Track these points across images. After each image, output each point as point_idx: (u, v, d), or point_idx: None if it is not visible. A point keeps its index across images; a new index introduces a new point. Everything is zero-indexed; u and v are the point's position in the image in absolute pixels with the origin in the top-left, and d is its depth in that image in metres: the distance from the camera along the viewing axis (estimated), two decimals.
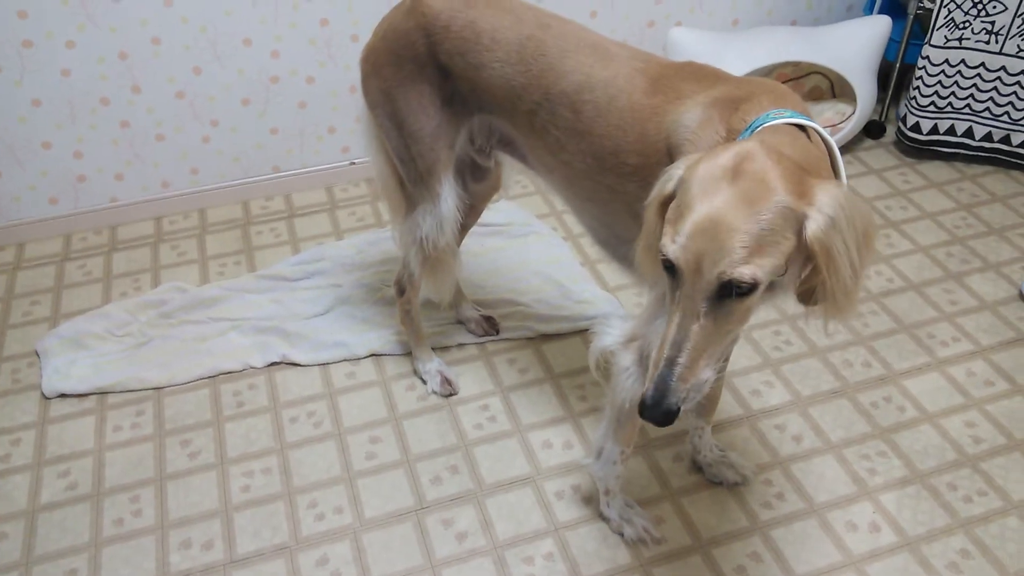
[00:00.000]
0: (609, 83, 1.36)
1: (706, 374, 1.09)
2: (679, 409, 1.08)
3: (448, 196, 1.65)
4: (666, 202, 1.12)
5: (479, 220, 2.03)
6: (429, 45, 1.53)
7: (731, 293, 1.04)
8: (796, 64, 2.84)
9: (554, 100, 1.41)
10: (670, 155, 1.27)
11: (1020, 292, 2.21)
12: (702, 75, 1.31)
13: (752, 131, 1.17)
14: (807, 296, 1.14)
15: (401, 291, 1.91)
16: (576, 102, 1.38)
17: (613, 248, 1.53)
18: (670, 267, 1.07)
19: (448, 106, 1.58)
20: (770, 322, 2.15)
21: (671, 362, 1.07)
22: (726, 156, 1.06)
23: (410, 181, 1.67)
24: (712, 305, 1.05)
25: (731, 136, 1.21)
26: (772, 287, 1.25)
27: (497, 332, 2.13)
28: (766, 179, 1.03)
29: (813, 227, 1.03)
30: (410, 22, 1.54)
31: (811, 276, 1.09)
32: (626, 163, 1.34)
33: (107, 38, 2.25)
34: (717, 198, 1.03)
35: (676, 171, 1.12)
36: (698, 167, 1.07)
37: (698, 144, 1.23)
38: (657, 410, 1.08)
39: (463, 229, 1.95)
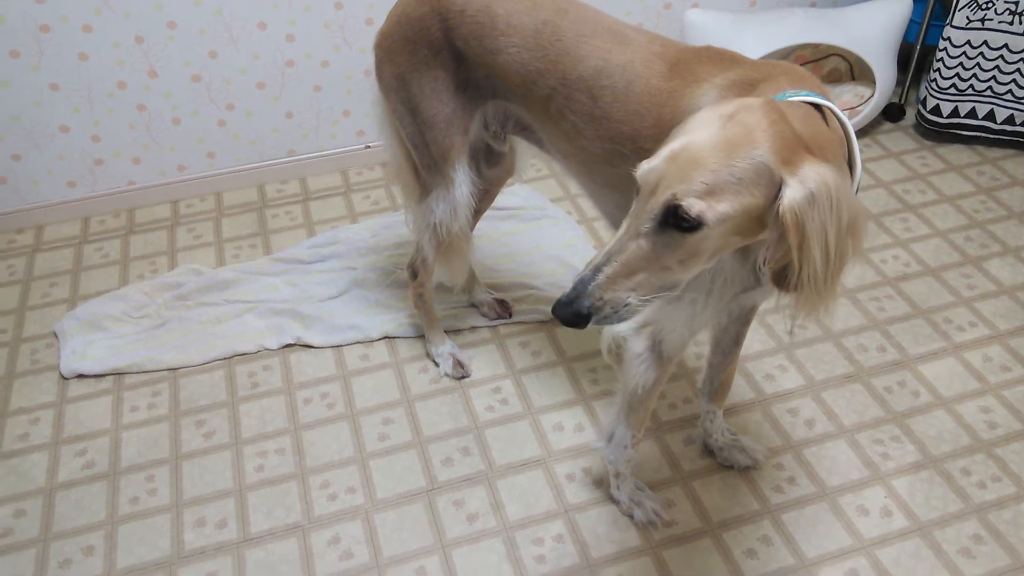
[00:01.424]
0: (627, 68, 1.35)
1: (627, 296, 1.07)
2: (589, 316, 1.07)
3: (462, 182, 1.65)
4: None
5: (493, 204, 2.03)
6: (444, 30, 1.52)
7: (677, 223, 1.02)
8: (815, 46, 2.81)
9: (571, 85, 1.40)
10: None
11: None
12: (719, 58, 1.30)
13: None
14: (780, 279, 1.10)
15: (414, 275, 1.92)
16: (593, 87, 1.37)
17: None
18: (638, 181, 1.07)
19: (462, 92, 1.57)
20: (784, 306, 2.13)
21: (597, 268, 1.06)
22: (730, 105, 1.05)
23: (424, 167, 1.67)
24: (655, 228, 1.04)
25: None
26: (744, 257, 1.23)
27: (510, 315, 2.14)
28: (753, 132, 1.02)
29: (789, 196, 1.00)
30: (425, 7, 1.53)
31: (782, 254, 1.05)
32: (643, 148, 1.33)
33: (123, 22, 2.26)
34: (699, 134, 1.03)
35: None
36: (703, 111, 1.07)
37: None
38: (567, 309, 1.07)
39: (477, 213, 1.95)
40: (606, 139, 1.38)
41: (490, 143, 1.70)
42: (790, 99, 1.15)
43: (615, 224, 1.58)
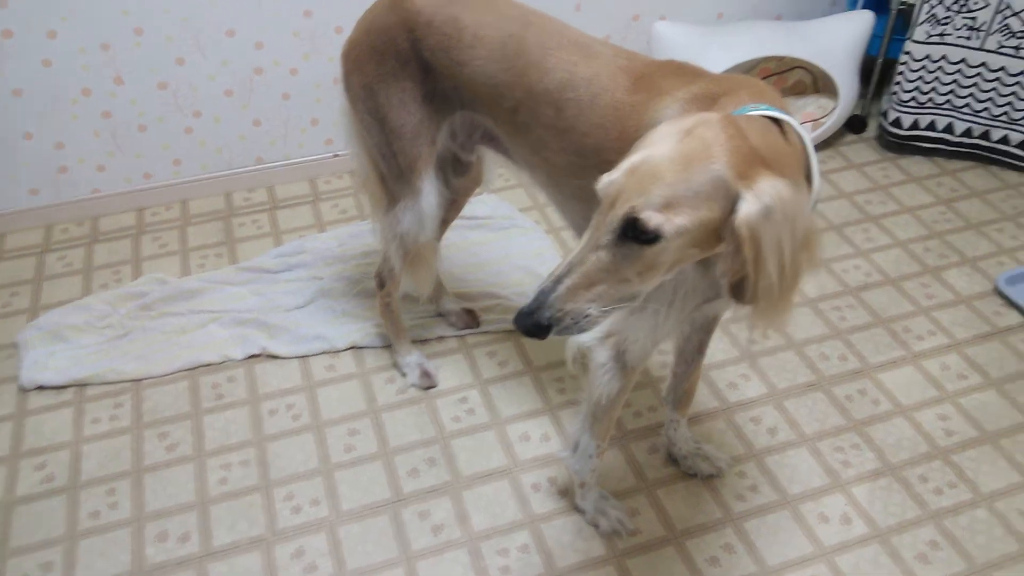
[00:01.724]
0: (592, 81, 1.36)
1: (587, 307, 1.08)
2: (550, 327, 1.08)
3: (429, 192, 1.65)
4: None
5: (461, 213, 2.04)
6: (411, 41, 1.52)
7: (636, 236, 1.04)
8: (780, 59, 2.85)
9: (537, 98, 1.41)
10: None
11: (995, 287, 2.23)
12: (682, 72, 1.32)
13: None
14: (737, 291, 1.11)
15: (381, 284, 1.91)
16: (559, 100, 1.38)
17: None
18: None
19: (430, 102, 1.58)
20: (744, 316, 2.16)
21: (557, 280, 1.08)
22: (689, 120, 1.07)
23: (391, 176, 1.67)
24: (615, 240, 1.06)
25: None
26: (706, 268, 1.25)
27: (478, 325, 2.14)
28: (711, 147, 1.03)
29: (744, 210, 1.02)
30: (392, 17, 1.54)
31: (738, 267, 1.07)
32: (608, 161, 1.34)
33: (89, 28, 2.24)
34: (658, 148, 1.04)
35: None
36: (663, 125, 1.09)
37: None
38: (528, 319, 1.08)
39: (444, 223, 1.96)
40: (571, 151, 1.39)
41: (457, 153, 1.70)
42: (750, 113, 1.17)
43: (581, 235, 1.58)
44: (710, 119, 1.07)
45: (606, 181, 1.07)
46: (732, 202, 1.04)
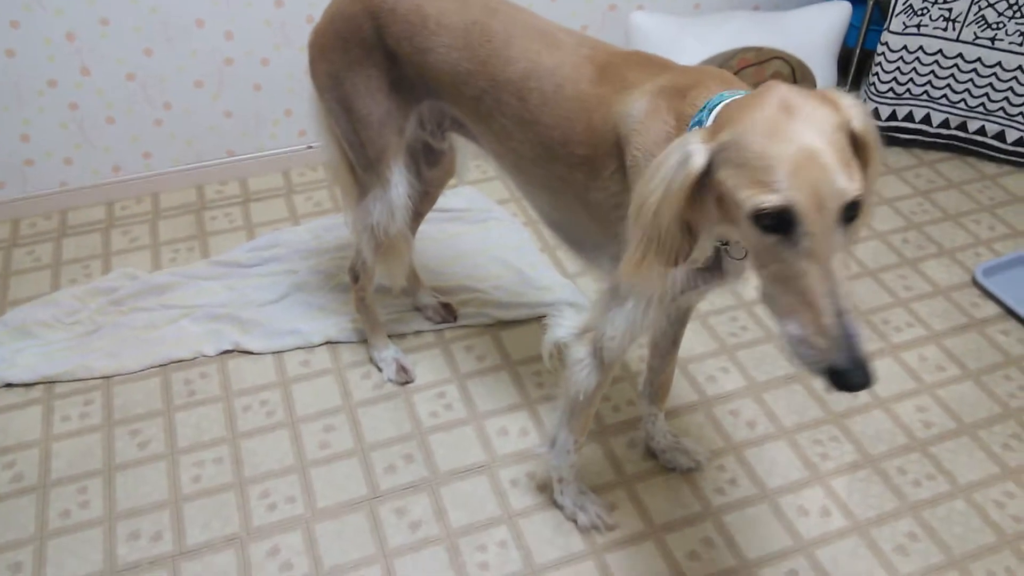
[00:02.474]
0: (555, 71, 1.34)
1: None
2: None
3: (398, 182, 1.63)
4: (695, 184, 1.02)
5: (439, 206, 2.01)
6: (376, 29, 1.50)
7: (851, 215, 0.97)
8: (758, 49, 2.84)
9: (500, 87, 1.39)
10: (618, 145, 1.26)
11: (973, 278, 2.24)
12: (648, 64, 1.30)
13: (708, 112, 1.15)
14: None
15: (355, 278, 1.89)
16: (522, 90, 1.36)
17: (566, 232, 1.51)
18: (774, 219, 0.95)
19: (397, 91, 1.55)
20: (726, 308, 2.15)
21: (844, 313, 0.95)
22: (763, 100, 1.00)
23: (360, 167, 1.65)
24: (841, 234, 0.96)
25: (681, 123, 1.20)
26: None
27: (455, 319, 2.12)
28: (812, 103, 0.98)
29: (862, 119, 1.02)
30: (357, 5, 1.51)
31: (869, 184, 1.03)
32: (574, 153, 1.33)
33: (53, 19, 2.18)
34: (792, 132, 0.95)
35: (691, 151, 1.01)
36: (737, 126, 0.99)
37: (646, 134, 1.22)
38: (861, 374, 0.95)
39: (418, 216, 1.93)
40: (536, 142, 1.37)
41: (429, 141, 1.68)
42: (736, 96, 1.15)
43: (550, 222, 1.55)
44: (773, 87, 1.01)
45: (786, 190, 0.94)
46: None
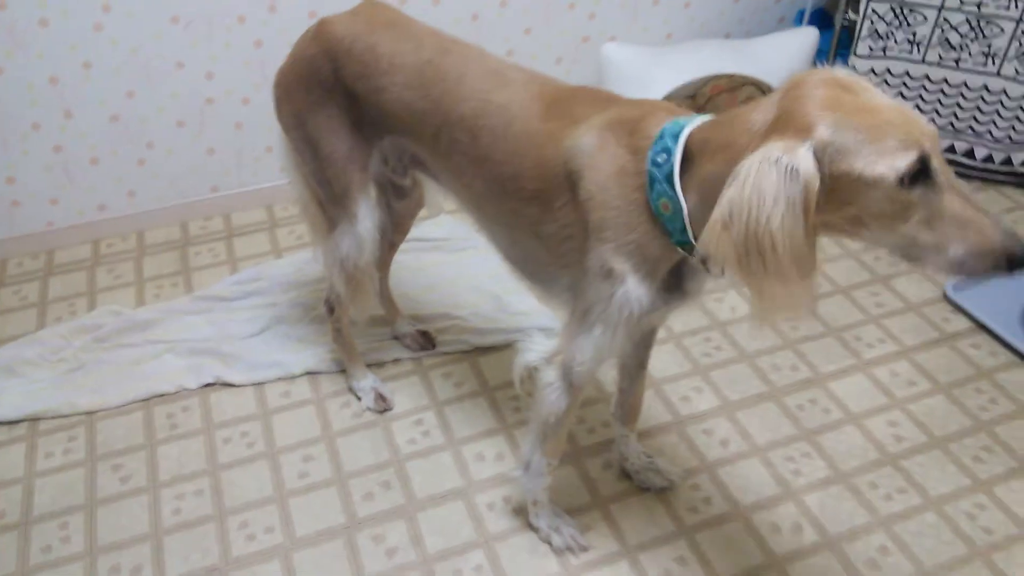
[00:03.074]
0: (505, 108, 1.37)
1: None
2: None
3: (365, 217, 1.66)
4: (814, 198, 1.04)
5: (418, 235, 2.04)
6: (334, 69, 1.55)
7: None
8: (731, 76, 2.90)
9: (453, 125, 1.43)
10: (569, 179, 1.29)
11: (944, 293, 2.27)
12: (596, 99, 1.34)
13: (672, 138, 1.18)
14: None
15: (331, 310, 1.92)
16: (474, 127, 1.40)
17: (523, 267, 1.54)
18: (915, 173, 1.02)
19: (358, 129, 1.59)
20: (700, 329, 2.19)
21: (994, 215, 1.06)
22: (818, 92, 1.06)
23: (328, 202, 1.69)
24: None
25: (638, 155, 1.23)
26: (652, 276, 1.27)
27: (433, 346, 2.15)
28: (844, 74, 1.08)
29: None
30: (315, 47, 1.56)
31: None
32: (526, 188, 1.36)
33: (36, 63, 2.24)
34: (870, 100, 1.05)
35: (792, 163, 1.02)
36: (819, 125, 1.03)
37: (597, 168, 1.25)
38: None
39: (392, 247, 1.97)
40: (489, 179, 1.41)
41: (392, 178, 1.72)
42: (702, 118, 1.20)
43: (508, 257, 1.57)
44: (799, 81, 1.09)
45: (921, 141, 1.03)
46: None
